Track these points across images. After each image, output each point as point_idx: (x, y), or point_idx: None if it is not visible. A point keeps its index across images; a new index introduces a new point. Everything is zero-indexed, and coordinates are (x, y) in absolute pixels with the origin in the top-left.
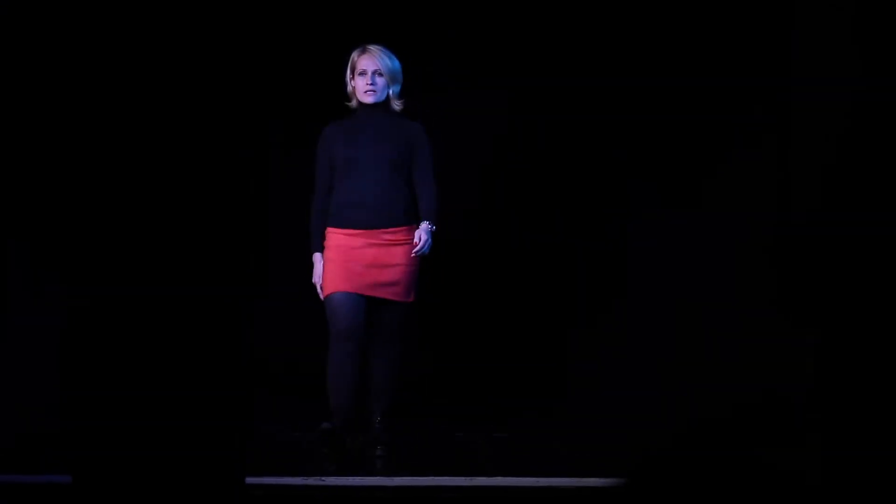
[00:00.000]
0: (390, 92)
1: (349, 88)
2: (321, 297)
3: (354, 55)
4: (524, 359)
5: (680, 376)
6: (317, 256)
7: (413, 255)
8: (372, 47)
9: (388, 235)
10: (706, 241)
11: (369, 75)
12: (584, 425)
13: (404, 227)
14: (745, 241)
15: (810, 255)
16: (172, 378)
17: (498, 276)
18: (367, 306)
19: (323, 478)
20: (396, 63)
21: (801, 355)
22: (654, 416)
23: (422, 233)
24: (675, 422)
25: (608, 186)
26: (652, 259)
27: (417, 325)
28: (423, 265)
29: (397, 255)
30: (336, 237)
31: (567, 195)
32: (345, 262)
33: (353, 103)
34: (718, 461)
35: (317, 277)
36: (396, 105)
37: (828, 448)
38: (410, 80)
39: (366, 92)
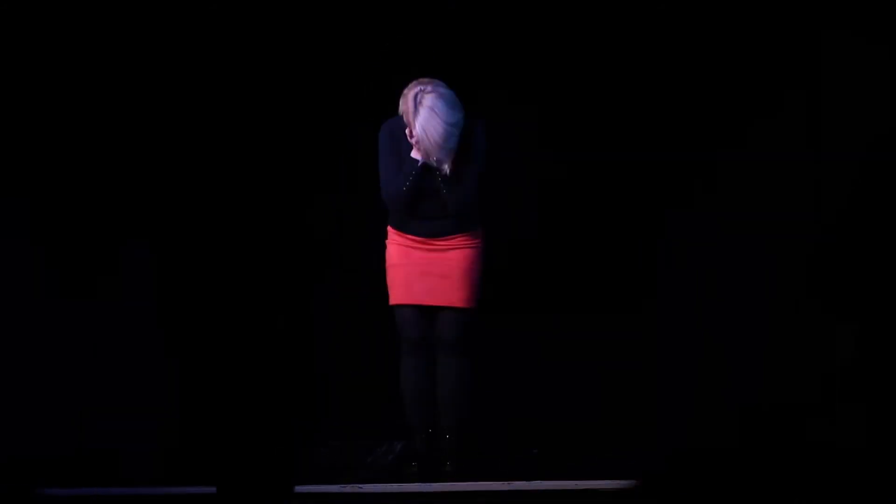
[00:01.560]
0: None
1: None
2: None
3: (409, 101)
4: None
5: (720, 368)
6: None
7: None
8: (427, 97)
9: (444, 242)
10: (747, 238)
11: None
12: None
13: (464, 234)
14: (785, 237)
15: (848, 248)
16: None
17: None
18: (429, 315)
19: (360, 485)
20: (451, 122)
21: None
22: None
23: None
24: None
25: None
26: (690, 254)
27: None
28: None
29: (455, 259)
30: (397, 238)
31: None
32: (407, 267)
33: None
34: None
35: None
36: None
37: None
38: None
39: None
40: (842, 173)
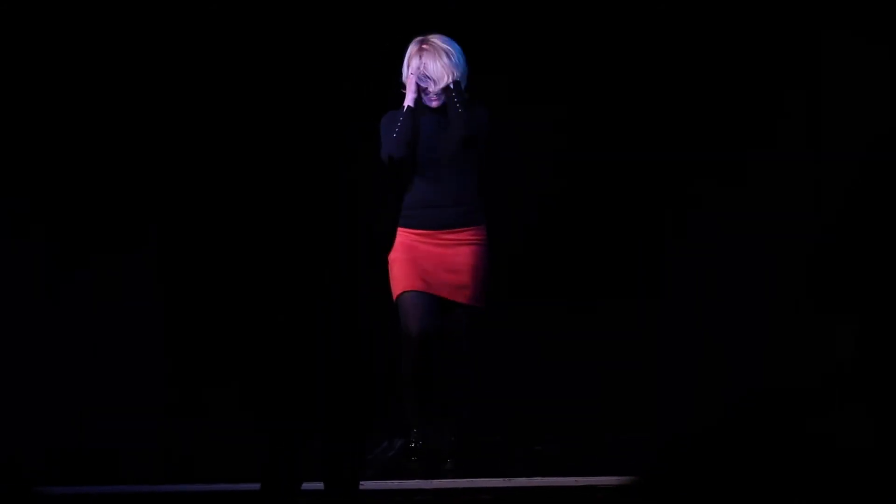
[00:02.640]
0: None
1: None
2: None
3: (412, 51)
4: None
5: (720, 367)
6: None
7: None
8: (428, 45)
9: (451, 235)
10: (747, 238)
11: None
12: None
13: (470, 228)
14: (785, 237)
15: (848, 248)
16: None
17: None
18: (441, 307)
19: (361, 482)
20: (456, 58)
21: (840, 342)
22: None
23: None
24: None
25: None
26: (690, 254)
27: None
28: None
29: (463, 255)
30: (404, 236)
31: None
32: (414, 260)
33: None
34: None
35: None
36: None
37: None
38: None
39: (426, 95)
40: (842, 173)
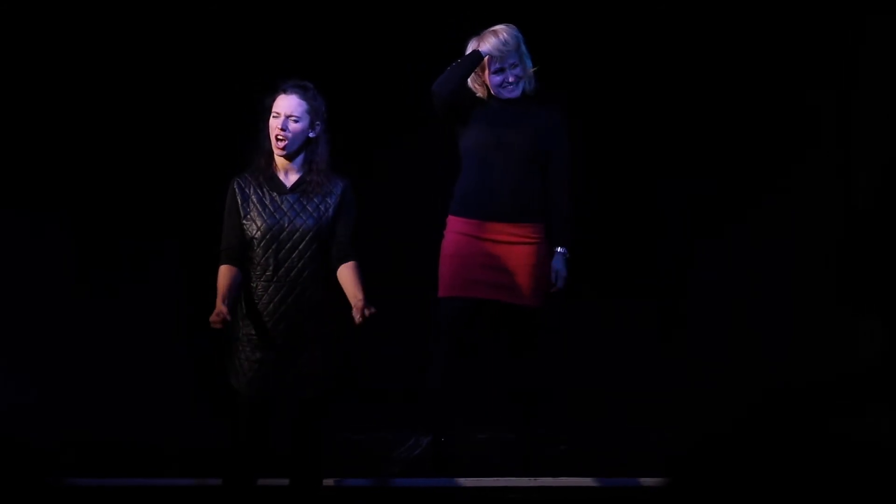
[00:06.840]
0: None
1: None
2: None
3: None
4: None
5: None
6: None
7: (551, 292)
8: (502, 38)
9: (512, 229)
10: (770, 240)
11: (507, 73)
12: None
13: (529, 225)
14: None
15: (870, 246)
16: None
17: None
18: (485, 311)
19: (387, 479)
20: (522, 45)
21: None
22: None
23: (558, 267)
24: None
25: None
26: (717, 254)
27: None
28: None
29: (519, 255)
30: (457, 225)
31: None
32: (465, 258)
33: (482, 94)
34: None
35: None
36: (529, 85)
37: None
38: None
39: (504, 87)
40: (870, 173)
